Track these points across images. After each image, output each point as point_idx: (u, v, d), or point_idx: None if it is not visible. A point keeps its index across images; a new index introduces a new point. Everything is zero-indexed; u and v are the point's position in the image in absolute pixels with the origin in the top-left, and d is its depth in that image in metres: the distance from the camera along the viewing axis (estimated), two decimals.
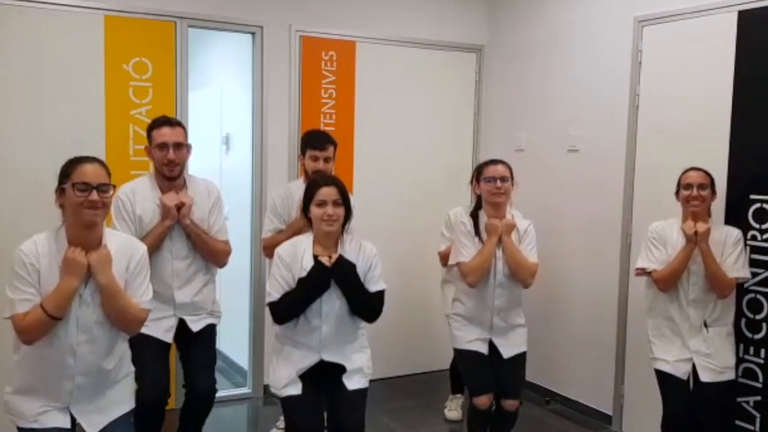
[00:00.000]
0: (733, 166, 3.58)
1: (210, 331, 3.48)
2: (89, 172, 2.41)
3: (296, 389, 2.96)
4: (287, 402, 2.99)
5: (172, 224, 3.23)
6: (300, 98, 4.64)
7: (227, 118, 5.42)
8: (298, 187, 3.80)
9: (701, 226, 3.23)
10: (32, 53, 3.89)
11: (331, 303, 2.93)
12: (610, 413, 4.32)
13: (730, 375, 3.33)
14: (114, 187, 2.49)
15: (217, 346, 5.40)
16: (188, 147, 3.35)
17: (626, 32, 4.17)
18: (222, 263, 3.46)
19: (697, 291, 3.29)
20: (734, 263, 3.27)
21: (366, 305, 3.00)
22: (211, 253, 3.37)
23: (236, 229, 4.99)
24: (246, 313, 4.75)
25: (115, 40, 4.06)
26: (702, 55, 3.75)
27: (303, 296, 2.90)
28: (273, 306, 2.94)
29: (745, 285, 3.50)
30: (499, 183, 3.38)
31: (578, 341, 4.56)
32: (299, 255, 2.95)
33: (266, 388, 4.69)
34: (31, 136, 3.84)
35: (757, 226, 3.50)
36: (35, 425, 2.46)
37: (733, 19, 3.60)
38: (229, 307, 5.15)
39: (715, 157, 3.55)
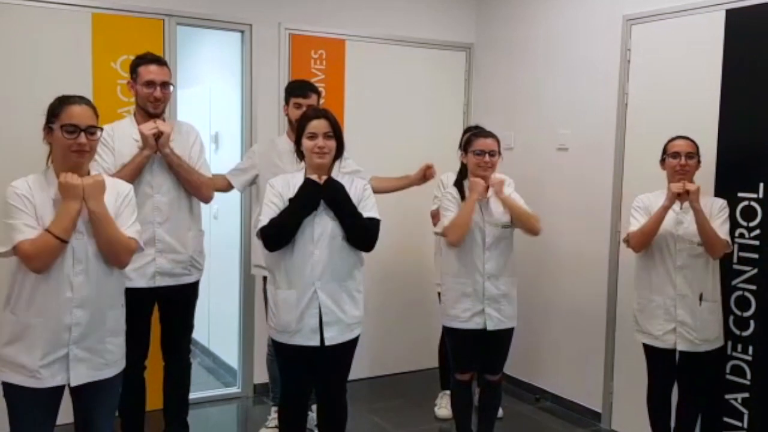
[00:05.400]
0: (721, 164, 3.60)
1: (190, 294, 3.52)
2: (77, 114, 2.43)
3: (302, 339, 2.92)
4: (286, 350, 2.97)
5: (151, 153, 3.27)
6: None
7: (216, 117, 5.40)
8: (282, 141, 3.87)
9: (691, 185, 3.24)
10: (18, 51, 3.86)
11: (323, 226, 2.90)
12: (599, 410, 4.33)
13: (707, 346, 3.34)
14: (101, 129, 2.52)
15: (207, 345, 5.49)
16: (172, 87, 3.42)
17: (615, 31, 4.18)
18: (206, 197, 3.49)
19: (684, 257, 3.29)
20: (720, 226, 3.28)
21: (360, 228, 2.95)
22: (193, 186, 3.40)
23: (225, 229, 4.99)
24: (235, 313, 4.73)
25: (102, 37, 4.03)
26: (690, 54, 3.76)
27: (292, 214, 2.87)
28: (263, 230, 2.90)
29: (733, 283, 3.53)
30: (487, 157, 3.39)
31: (567, 339, 4.58)
32: (291, 184, 2.96)
33: (256, 387, 4.68)
34: (16, 134, 3.80)
35: (745, 224, 3.52)
36: (34, 383, 2.40)
37: (721, 17, 3.61)
38: (219, 308, 5.17)
39: (703, 154, 3.55)
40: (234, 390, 4.73)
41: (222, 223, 5.11)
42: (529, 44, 4.86)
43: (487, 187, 3.41)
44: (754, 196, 3.49)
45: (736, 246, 3.51)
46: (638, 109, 4.07)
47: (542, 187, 4.67)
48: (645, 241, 3.33)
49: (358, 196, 2.99)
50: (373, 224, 2.98)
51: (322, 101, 4.10)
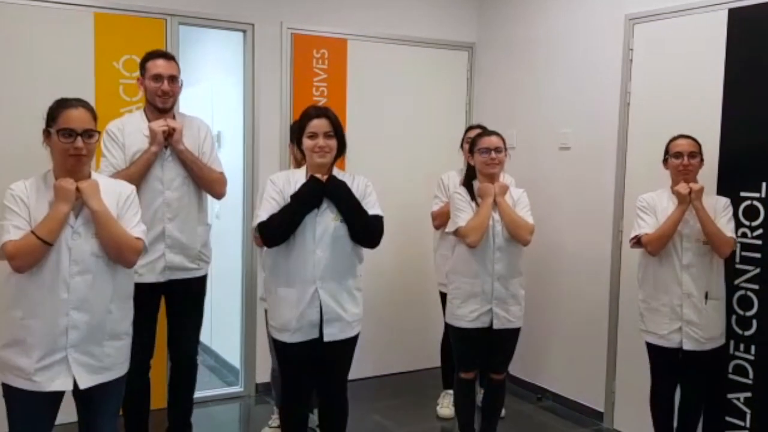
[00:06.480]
0: (724, 164, 3.60)
1: (198, 289, 3.52)
2: (74, 118, 2.41)
3: (302, 335, 2.93)
4: (286, 348, 2.97)
5: (159, 150, 3.26)
6: (291, 96, 4.62)
7: (218, 116, 5.40)
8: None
9: (695, 185, 3.25)
10: (21, 50, 3.86)
11: (325, 225, 2.90)
12: (601, 410, 4.33)
13: (712, 344, 3.34)
14: (99, 133, 2.49)
15: (209, 344, 5.49)
16: (181, 82, 3.39)
17: (617, 30, 4.17)
18: (219, 192, 3.49)
19: (690, 256, 3.29)
20: (726, 224, 3.29)
21: (364, 224, 2.95)
22: (207, 182, 3.39)
23: (227, 227, 4.99)
24: (237, 311, 4.74)
25: (105, 37, 4.04)
26: (693, 53, 3.76)
27: (294, 211, 2.86)
28: (262, 226, 2.88)
29: (735, 282, 3.52)
30: (493, 154, 3.40)
31: (570, 338, 4.57)
32: (292, 181, 2.95)
33: (258, 386, 4.69)
34: (19, 134, 3.80)
35: (747, 223, 3.52)
36: (32, 386, 2.39)
37: (723, 16, 3.61)
38: (221, 306, 5.17)
39: (705, 153, 3.55)
40: (236, 389, 4.74)
41: (224, 221, 5.11)
42: (531, 43, 4.85)
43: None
44: (757, 195, 3.49)
45: (738, 245, 3.51)
46: (640, 108, 4.07)
47: (544, 186, 4.67)
48: (664, 244, 3.31)
49: (361, 194, 2.99)
50: (378, 221, 2.99)
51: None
